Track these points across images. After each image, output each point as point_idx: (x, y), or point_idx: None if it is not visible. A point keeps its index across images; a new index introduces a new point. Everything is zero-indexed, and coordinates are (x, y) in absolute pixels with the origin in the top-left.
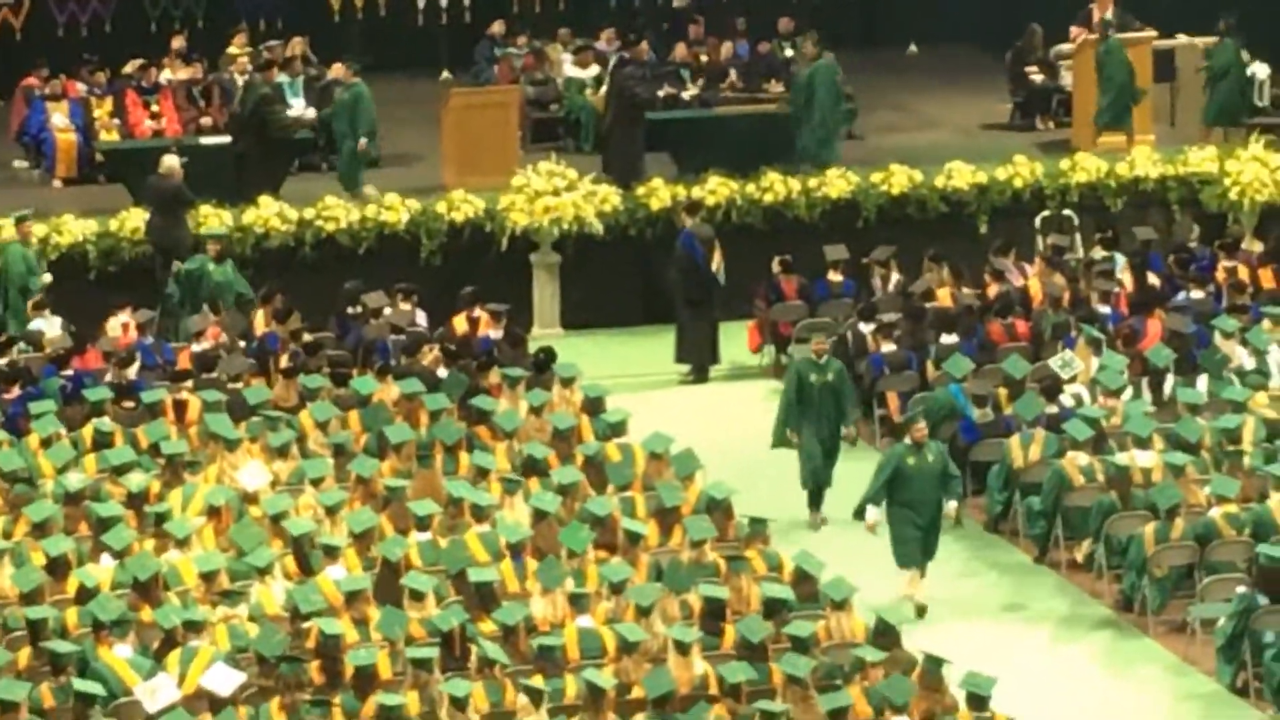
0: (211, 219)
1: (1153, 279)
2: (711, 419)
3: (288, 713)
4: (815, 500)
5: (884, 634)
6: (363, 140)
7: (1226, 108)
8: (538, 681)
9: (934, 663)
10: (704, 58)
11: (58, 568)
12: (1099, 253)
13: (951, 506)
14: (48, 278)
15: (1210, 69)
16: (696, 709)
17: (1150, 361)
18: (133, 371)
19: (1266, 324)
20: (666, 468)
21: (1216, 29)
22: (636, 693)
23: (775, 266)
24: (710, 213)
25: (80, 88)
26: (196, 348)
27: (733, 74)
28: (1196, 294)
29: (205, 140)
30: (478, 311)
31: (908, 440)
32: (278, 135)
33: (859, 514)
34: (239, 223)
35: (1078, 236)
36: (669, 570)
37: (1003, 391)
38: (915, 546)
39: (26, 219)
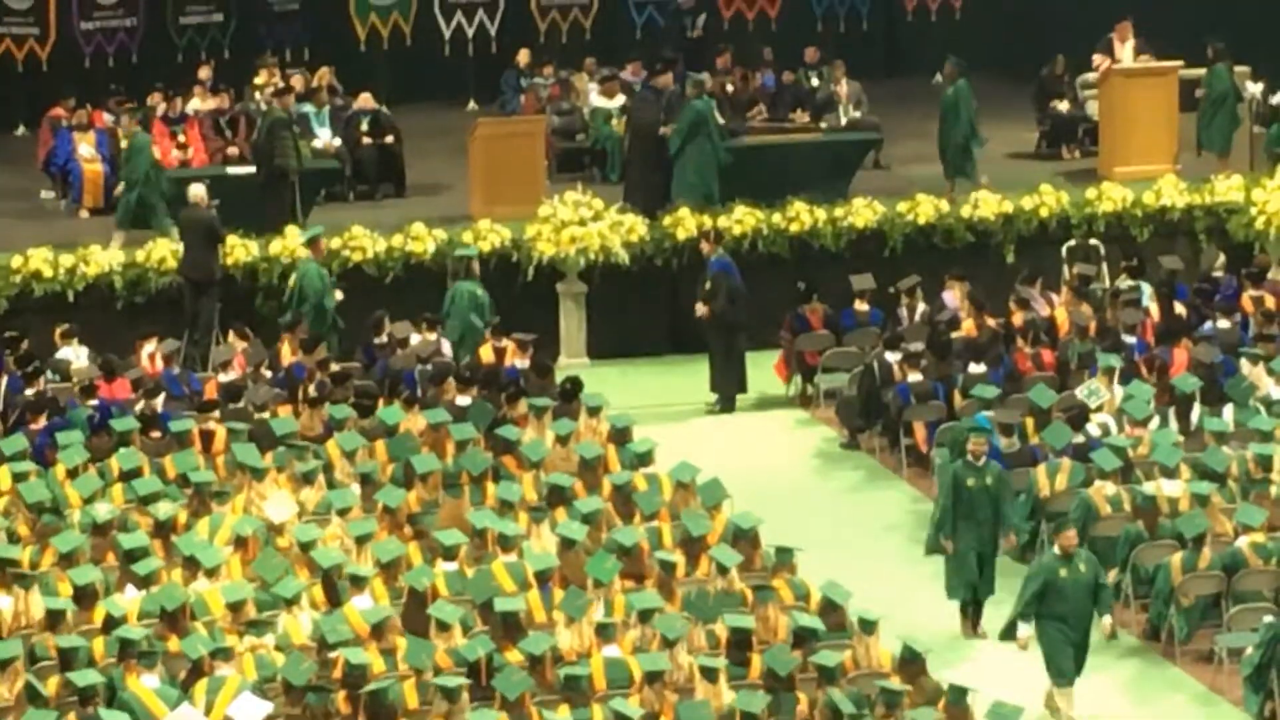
0: (238, 249)
1: (1179, 308)
2: (738, 449)
3: None
4: (972, 613)
5: (910, 662)
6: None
7: (1227, 133)
8: (564, 712)
9: (959, 692)
10: (730, 87)
11: (85, 598)
12: (1125, 282)
13: (1106, 622)
14: (338, 295)
15: (1209, 97)
16: None
17: (1177, 390)
18: (159, 402)
19: None
20: (693, 497)
21: (1206, 56)
22: None
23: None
24: (735, 242)
25: (107, 118)
26: (223, 378)
27: (760, 104)
28: (1223, 323)
29: (231, 170)
30: (504, 341)
31: (1056, 550)
32: (279, 163)
33: (1007, 634)
34: (265, 253)
35: (1104, 266)
36: (696, 600)
37: (1029, 421)
38: (1069, 662)
39: (319, 237)
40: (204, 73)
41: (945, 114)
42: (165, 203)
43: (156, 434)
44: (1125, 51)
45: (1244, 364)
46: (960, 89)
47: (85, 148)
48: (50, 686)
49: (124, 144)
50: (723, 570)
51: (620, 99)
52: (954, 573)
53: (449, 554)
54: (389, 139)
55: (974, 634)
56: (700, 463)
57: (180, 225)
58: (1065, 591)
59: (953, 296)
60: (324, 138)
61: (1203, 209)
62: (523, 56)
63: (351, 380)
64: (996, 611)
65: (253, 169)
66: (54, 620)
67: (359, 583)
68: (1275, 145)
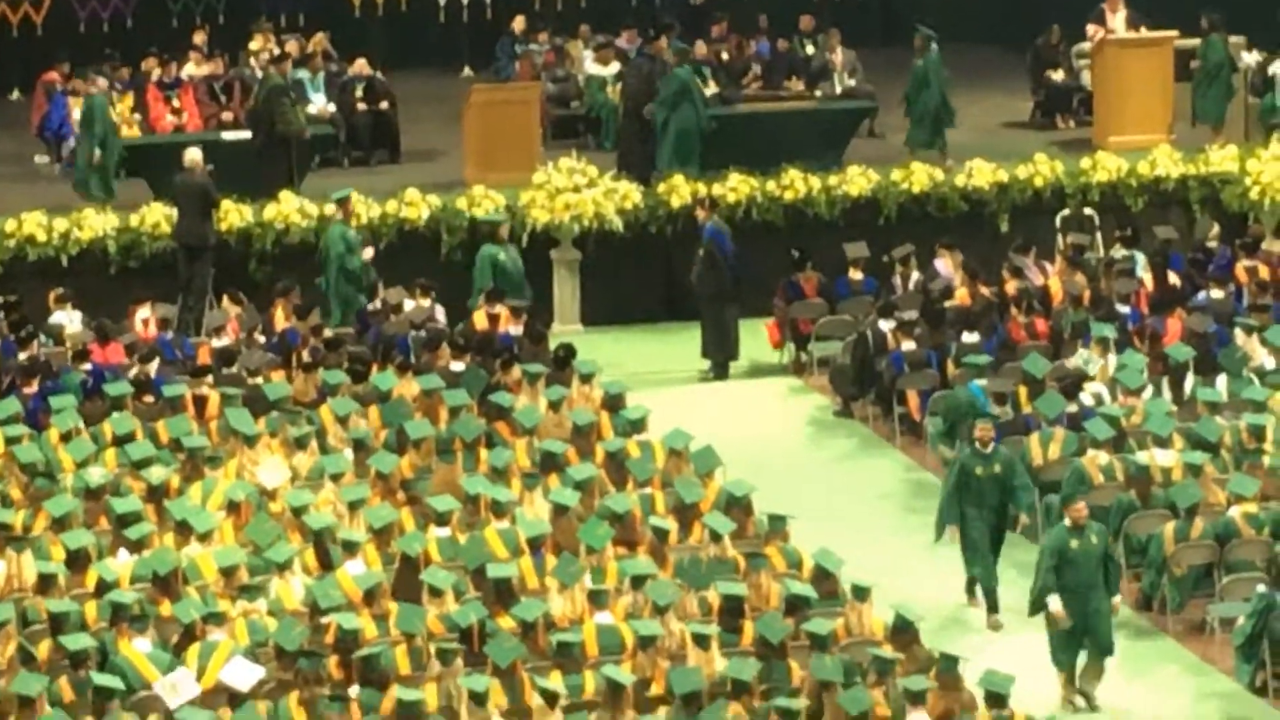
0: (232, 214)
1: (1173, 278)
2: (731, 416)
3: (306, 708)
4: (989, 601)
5: (903, 631)
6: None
7: (1222, 104)
8: (556, 678)
9: (951, 661)
10: (725, 55)
11: (77, 561)
12: (1119, 252)
13: (1116, 601)
14: (369, 253)
15: (1204, 68)
16: (715, 706)
17: (1171, 360)
18: (153, 367)
19: None
20: (686, 464)
21: (1200, 27)
22: (655, 689)
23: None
24: (730, 210)
25: (102, 82)
26: (216, 343)
27: (755, 71)
28: (1217, 293)
29: (226, 135)
30: (498, 308)
31: (1067, 522)
32: (280, 130)
33: (1036, 609)
34: (259, 218)
35: (1098, 235)
36: (688, 567)
37: (1023, 390)
38: (1074, 641)
39: (348, 198)
40: (199, 38)
41: (915, 85)
42: (116, 170)
43: (150, 399)
44: (1117, 21)
45: (1238, 334)
46: (930, 60)
47: (79, 112)
48: (42, 650)
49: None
50: (716, 537)
51: (615, 66)
52: (969, 563)
53: (442, 520)
54: (384, 105)
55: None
56: (693, 430)
57: (175, 190)
58: (1076, 563)
59: (945, 265)
60: (318, 103)
61: (1197, 179)
62: (518, 23)
63: (345, 346)
64: (1008, 592)
65: (248, 134)
66: (46, 584)
67: (351, 548)
68: (1269, 115)
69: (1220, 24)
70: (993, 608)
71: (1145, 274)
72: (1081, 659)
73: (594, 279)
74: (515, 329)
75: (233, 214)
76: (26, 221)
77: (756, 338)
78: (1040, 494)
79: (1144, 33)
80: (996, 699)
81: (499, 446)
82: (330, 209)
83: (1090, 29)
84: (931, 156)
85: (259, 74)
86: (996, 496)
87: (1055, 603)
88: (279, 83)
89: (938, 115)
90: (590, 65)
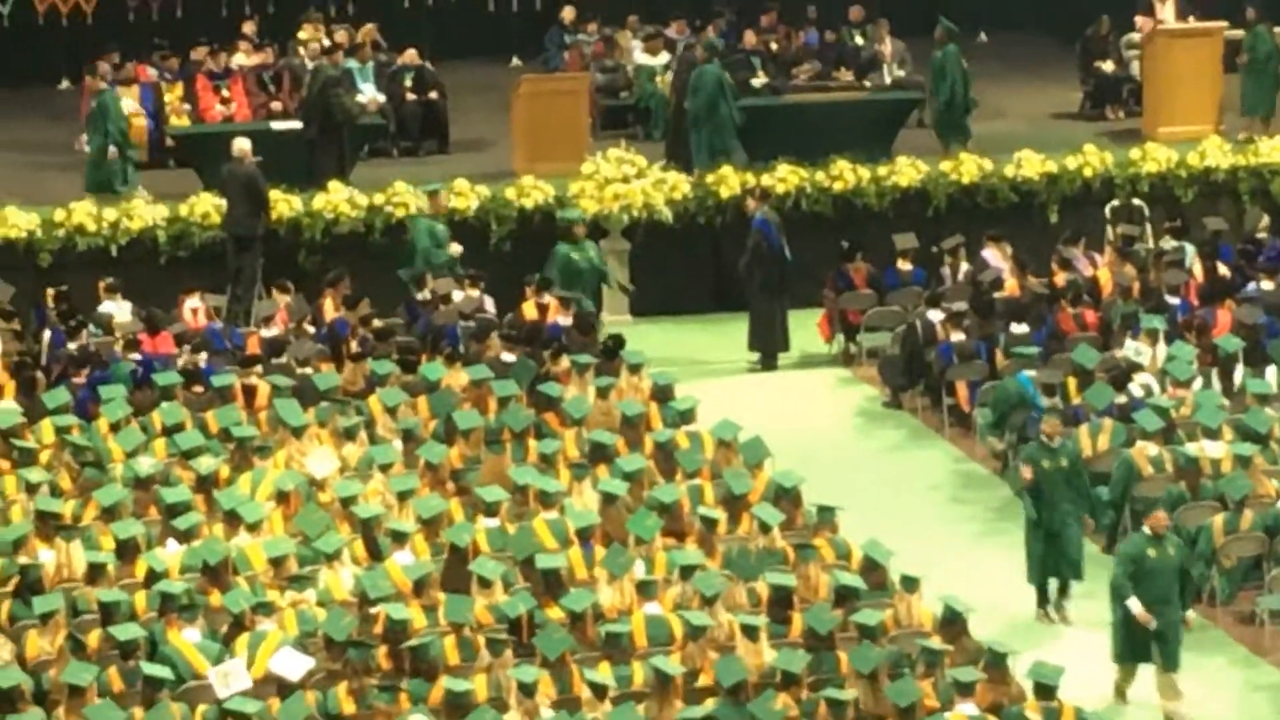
0: (281, 204)
1: (1223, 269)
2: (780, 407)
3: (355, 698)
4: (1055, 598)
5: (951, 623)
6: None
7: (1271, 95)
8: (604, 669)
9: (1000, 653)
10: (775, 45)
11: (126, 551)
12: (1169, 243)
13: (1189, 616)
14: (456, 248)
15: (1252, 60)
16: (764, 697)
17: (1220, 351)
18: (203, 357)
19: None
20: (735, 455)
21: (1245, 19)
22: (704, 679)
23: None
24: (779, 200)
25: (151, 73)
26: (265, 333)
27: (809, 66)
28: (1267, 284)
29: (276, 125)
30: (547, 298)
31: (1146, 530)
32: (340, 120)
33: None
34: (309, 208)
35: (1148, 226)
36: (737, 557)
37: (1072, 381)
38: (1143, 645)
39: (438, 191)
40: (248, 28)
41: (934, 78)
42: (130, 165)
43: (199, 389)
44: (1167, 12)
45: None
46: (949, 53)
47: (129, 102)
48: (92, 640)
49: (93, 104)
50: (765, 529)
51: (664, 56)
52: (1035, 555)
53: (490, 510)
54: (433, 95)
55: (1055, 620)
56: (742, 421)
57: (222, 180)
58: (1153, 573)
59: (994, 256)
60: (368, 93)
61: (1247, 170)
62: (567, 13)
63: (394, 336)
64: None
65: (297, 124)
66: (95, 574)
67: (400, 538)
68: None
69: (1265, 15)
70: (1042, 603)
71: (1195, 265)
72: (1144, 669)
73: (643, 269)
74: (564, 319)
75: (282, 204)
76: (76, 211)
77: (806, 329)
78: (1089, 485)
79: (1193, 23)
80: (1045, 690)
81: (548, 437)
82: (420, 202)
83: (1139, 20)
84: (958, 149)
85: (308, 64)
86: (1066, 490)
87: (1136, 604)
88: (332, 74)
89: (960, 106)
90: (639, 56)
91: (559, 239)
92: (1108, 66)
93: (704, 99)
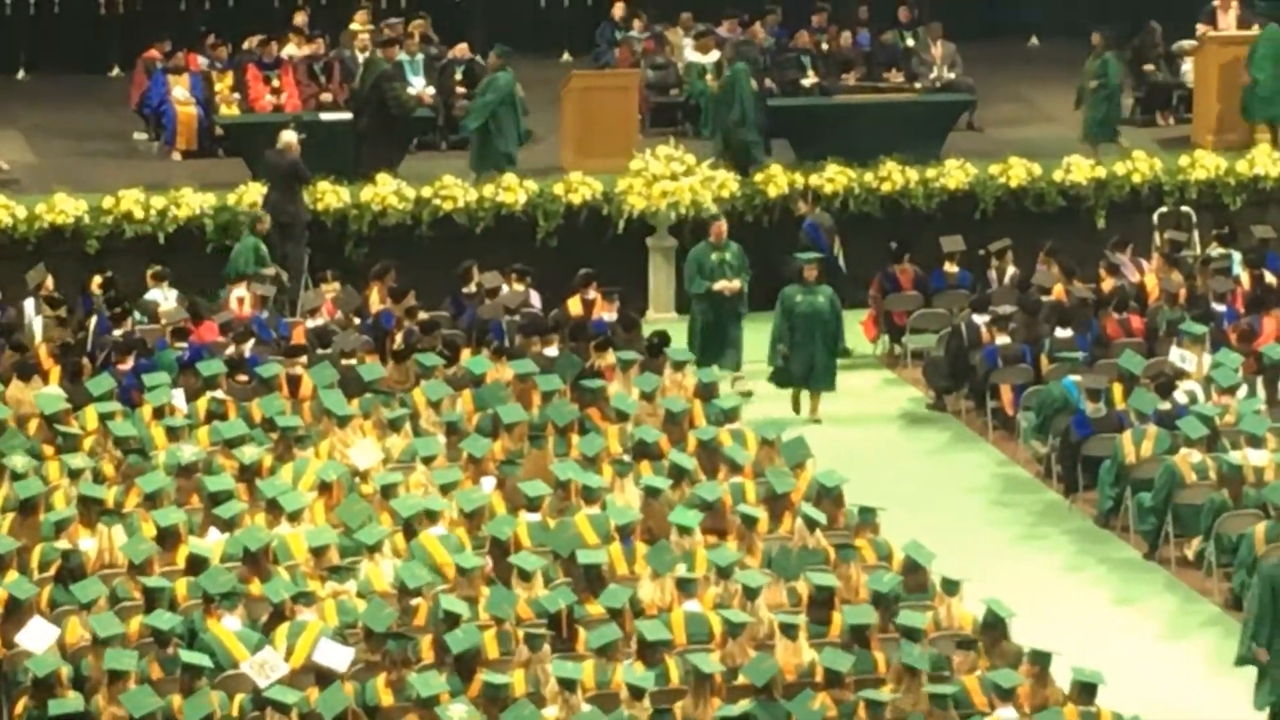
0: (329, 195)
1: (1270, 277)
2: (823, 407)
3: (394, 689)
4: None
5: (992, 626)
6: None
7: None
8: (639, 669)
9: (1040, 656)
10: (825, 45)
11: (168, 539)
12: (1216, 250)
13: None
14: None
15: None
16: (803, 696)
17: (1266, 359)
18: (248, 346)
19: None
20: (777, 454)
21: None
22: (743, 678)
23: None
24: (828, 201)
25: (201, 61)
26: (311, 324)
27: (860, 70)
28: None
29: (325, 116)
30: (592, 294)
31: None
32: (396, 113)
33: (1244, 660)
34: (356, 199)
35: (1195, 233)
36: (778, 557)
37: (1117, 387)
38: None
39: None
40: (299, 18)
41: (1092, 82)
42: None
43: (244, 378)
44: (1229, 20)
45: None
46: (1108, 60)
47: (179, 90)
48: (132, 627)
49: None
50: (813, 525)
51: (715, 54)
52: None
53: (532, 505)
54: None
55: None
56: (785, 420)
57: (264, 167)
58: None
59: (1048, 274)
60: (418, 86)
61: None
62: (618, 9)
63: (439, 329)
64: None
65: (347, 115)
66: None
67: (432, 516)
68: None
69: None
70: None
71: (1241, 272)
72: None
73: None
74: (609, 315)
75: (329, 195)
76: (124, 199)
77: (851, 329)
78: (1131, 492)
79: (1255, 31)
80: (1086, 690)
81: (591, 432)
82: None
83: (1200, 28)
84: (1111, 149)
85: (359, 56)
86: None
87: (1263, 653)
88: (386, 68)
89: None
90: (690, 53)
91: (787, 281)
92: (1158, 73)
93: (733, 100)
